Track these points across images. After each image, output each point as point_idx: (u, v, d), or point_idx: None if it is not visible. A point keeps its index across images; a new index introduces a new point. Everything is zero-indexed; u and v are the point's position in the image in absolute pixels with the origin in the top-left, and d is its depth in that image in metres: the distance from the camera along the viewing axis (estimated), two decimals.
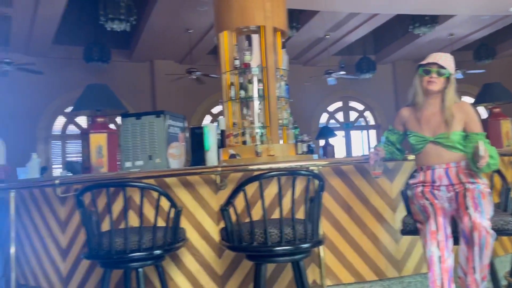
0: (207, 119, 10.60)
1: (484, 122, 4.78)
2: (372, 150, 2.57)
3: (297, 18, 7.83)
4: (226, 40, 5.06)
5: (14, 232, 3.22)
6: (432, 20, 8.04)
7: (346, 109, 12.08)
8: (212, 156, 3.27)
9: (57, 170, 9.07)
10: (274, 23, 4.94)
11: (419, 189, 2.41)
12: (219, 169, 2.70)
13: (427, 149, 2.43)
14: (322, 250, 2.73)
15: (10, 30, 7.55)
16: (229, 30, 5.04)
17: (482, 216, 2.12)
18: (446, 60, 2.44)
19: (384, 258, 2.88)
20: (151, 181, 2.75)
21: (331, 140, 9.30)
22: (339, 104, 11.98)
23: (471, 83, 10.12)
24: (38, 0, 6.40)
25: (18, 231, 3.30)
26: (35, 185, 3.23)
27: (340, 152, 11.39)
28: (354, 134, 12.18)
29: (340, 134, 11.75)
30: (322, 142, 9.36)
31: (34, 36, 7.82)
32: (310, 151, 5.75)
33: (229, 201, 2.23)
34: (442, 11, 7.55)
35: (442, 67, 2.41)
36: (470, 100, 10.17)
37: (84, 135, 3.28)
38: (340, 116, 12.07)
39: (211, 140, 3.32)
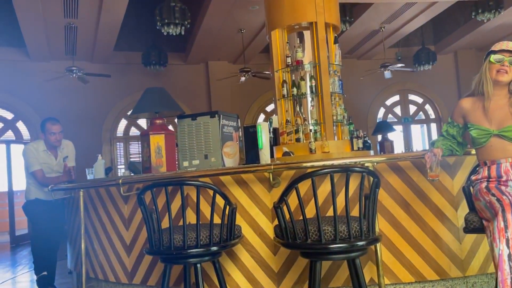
0: (261, 117, 10.68)
1: None
2: (428, 153, 2.44)
3: (350, 11, 7.67)
4: (278, 38, 5.08)
5: (83, 228, 3.46)
6: (497, 5, 7.53)
7: (404, 103, 11.64)
8: (265, 154, 3.30)
9: (121, 170, 9.58)
10: (326, 18, 4.88)
11: (484, 185, 2.28)
12: (272, 167, 2.73)
13: (491, 143, 2.29)
14: (379, 248, 2.67)
15: (76, 40, 8.08)
16: (280, 28, 5.05)
17: None
18: None
19: (446, 257, 2.76)
20: (207, 179, 2.84)
21: (390, 135, 9.03)
22: (396, 98, 11.57)
23: None
24: (100, 10, 6.79)
25: (87, 228, 3.54)
26: (101, 184, 3.44)
27: (399, 148, 11.02)
28: (413, 128, 11.71)
29: (399, 128, 11.36)
30: (379, 138, 9.11)
31: (97, 44, 8.31)
32: (366, 147, 5.63)
33: (282, 198, 2.24)
34: None
35: None
36: None
37: (143, 137, 3.45)
38: (398, 110, 11.66)
39: (264, 138, 3.35)
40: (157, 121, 3.52)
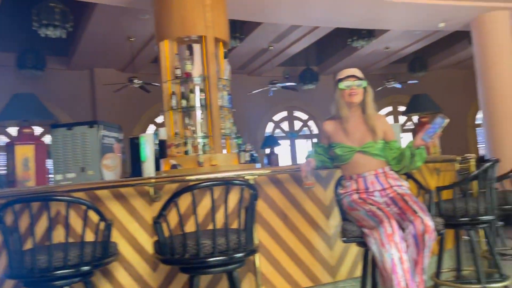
0: (151, 128, 10.37)
1: (413, 131, 5.10)
2: (303, 162, 2.62)
3: (240, 28, 7.90)
4: (167, 49, 5.01)
5: None
6: (369, 34, 8.42)
7: (291, 119, 12.32)
8: (148, 167, 3.20)
9: None
10: (216, 33, 4.96)
11: (355, 196, 2.46)
12: (153, 180, 2.65)
13: (355, 159, 2.51)
14: (258, 258, 2.75)
15: None
16: (170, 39, 5.00)
17: (430, 218, 2.22)
18: (360, 72, 2.58)
19: (319, 264, 2.95)
20: (81, 194, 2.65)
21: (276, 149, 9.45)
22: (284, 113, 12.20)
23: (406, 94, 10.69)
24: None
25: None
26: None
27: (285, 161, 11.58)
28: (299, 142, 12.44)
29: (286, 143, 11.96)
30: (267, 151, 9.48)
31: None
32: (253, 160, 5.81)
33: (161, 213, 2.19)
34: (376, 26, 7.93)
35: (360, 78, 2.53)
36: (403, 109, 10.69)
37: (8, 147, 3.10)
38: (285, 125, 12.29)
39: (147, 150, 3.25)
40: (25, 130, 3.21)
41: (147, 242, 2.74)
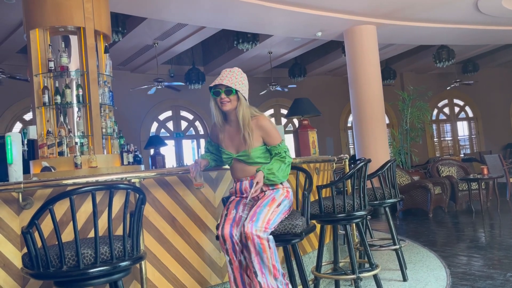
0: (18, 126, 9.28)
1: (294, 133, 5.40)
2: (193, 163, 2.61)
3: (123, 22, 7.49)
4: (38, 39, 4.53)
5: None
6: (254, 38, 8.68)
7: (176, 118, 12.11)
8: (16, 171, 2.84)
9: None
10: (96, 25, 4.62)
11: (232, 198, 2.59)
12: (22, 185, 2.35)
13: (233, 165, 2.58)
14: (144, 265, 2.62)
15: None
16: (41, 28, 4.53)
17: (254, 224, 2.26)
18: (232, 77, 2.44)
19: (208, 267, 2.92)
20: None
21: (162, 150, 9.20)
22: (169, 113, 11.95)
23: (287, 97, 11.31)
24: None
25: None
26: None
27: (171, 162, 11.35)
28: (185, 143, 12.29)
29: (171, 143, 11.71)
30: (152, 152, 9.18)
31: None
32: (137, 161, 5.55)
33: (33, 222, 1.95)
34: (260, 30, 8.22)
35: (228, 86, 2.42)
36: (285, 112, 11.29)
37: None
38: (170, 125, 12.04)
39: (15, 151, 2.88)
40: None
41: (16, 256, 2.42)
